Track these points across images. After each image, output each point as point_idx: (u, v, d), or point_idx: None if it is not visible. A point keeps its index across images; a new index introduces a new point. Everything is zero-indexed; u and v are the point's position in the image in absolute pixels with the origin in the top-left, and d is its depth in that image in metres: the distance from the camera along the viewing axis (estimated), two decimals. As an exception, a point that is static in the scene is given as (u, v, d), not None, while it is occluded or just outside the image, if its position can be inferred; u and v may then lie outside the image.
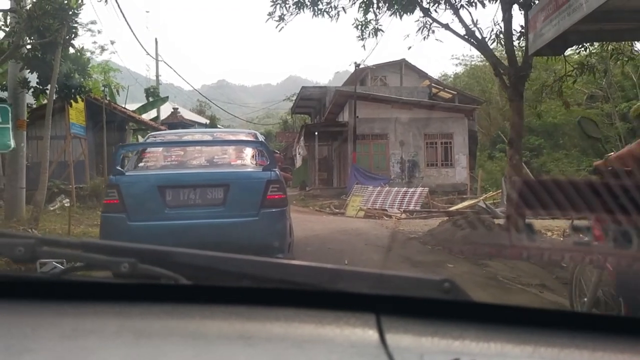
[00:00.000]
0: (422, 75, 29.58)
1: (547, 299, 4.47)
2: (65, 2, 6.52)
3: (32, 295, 0.93)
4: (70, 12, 6.48)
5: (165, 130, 14.76)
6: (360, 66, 22.01)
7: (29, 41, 6.56)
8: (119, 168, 4.88)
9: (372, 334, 0.81)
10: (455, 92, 26.39)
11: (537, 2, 7.41)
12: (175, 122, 24.75)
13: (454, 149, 21.64)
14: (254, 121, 52.92)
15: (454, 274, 5.49)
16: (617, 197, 1.82)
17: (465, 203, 14.93)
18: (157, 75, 27.08)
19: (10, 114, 5.20)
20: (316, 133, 22.90)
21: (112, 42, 21.00)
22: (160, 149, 5.48)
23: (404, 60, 27.53)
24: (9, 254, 1.00)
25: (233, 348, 0.78)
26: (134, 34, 21.66)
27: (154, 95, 20.64)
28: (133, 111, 15.50)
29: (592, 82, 23.01)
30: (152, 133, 6.93)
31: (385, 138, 21.72)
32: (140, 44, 57.36)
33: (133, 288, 0.94)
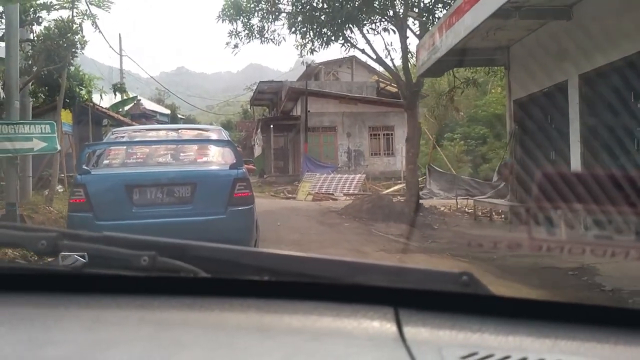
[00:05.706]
0: (371, 70, 32.11)
1: (394, 238, 7.12)
2: (71, 36, 8.67)
3: (55, 288, 0.94)
4: (78, 45, 8.70)
5: (132, 124, 16.43)
6: (311, 65, 24.32)
7: (44, 67, 8.69)
8: (85, 167, 4.78)
9: (390, 327, 0.81)
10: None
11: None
12: (137, 112, 25.90)
13: (395, 140, 23.75)
14: (214, 110, 53.19)
15: (346, 228, 8.12)
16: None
17: (395, 187, 17.15)
18: (121, 70, 28.46)
19: (55, 127, 7.22)
20: (272, 126, 24.76)
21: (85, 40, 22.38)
22: (127, 147, 5.36)
23: (354, 57, 29.68)
24: (32, 247, 1.01)
25: (251, 340, 0.78)
26: (101, 33, 23.08)
27: (120, 91, 22.26)
28: (107, 109, 17.55)
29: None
30: (114, 130, 6.73)
31: (334, 130, 23.70)
32: (107, 41, 57.07)
33: (153, 281, 0.95)
